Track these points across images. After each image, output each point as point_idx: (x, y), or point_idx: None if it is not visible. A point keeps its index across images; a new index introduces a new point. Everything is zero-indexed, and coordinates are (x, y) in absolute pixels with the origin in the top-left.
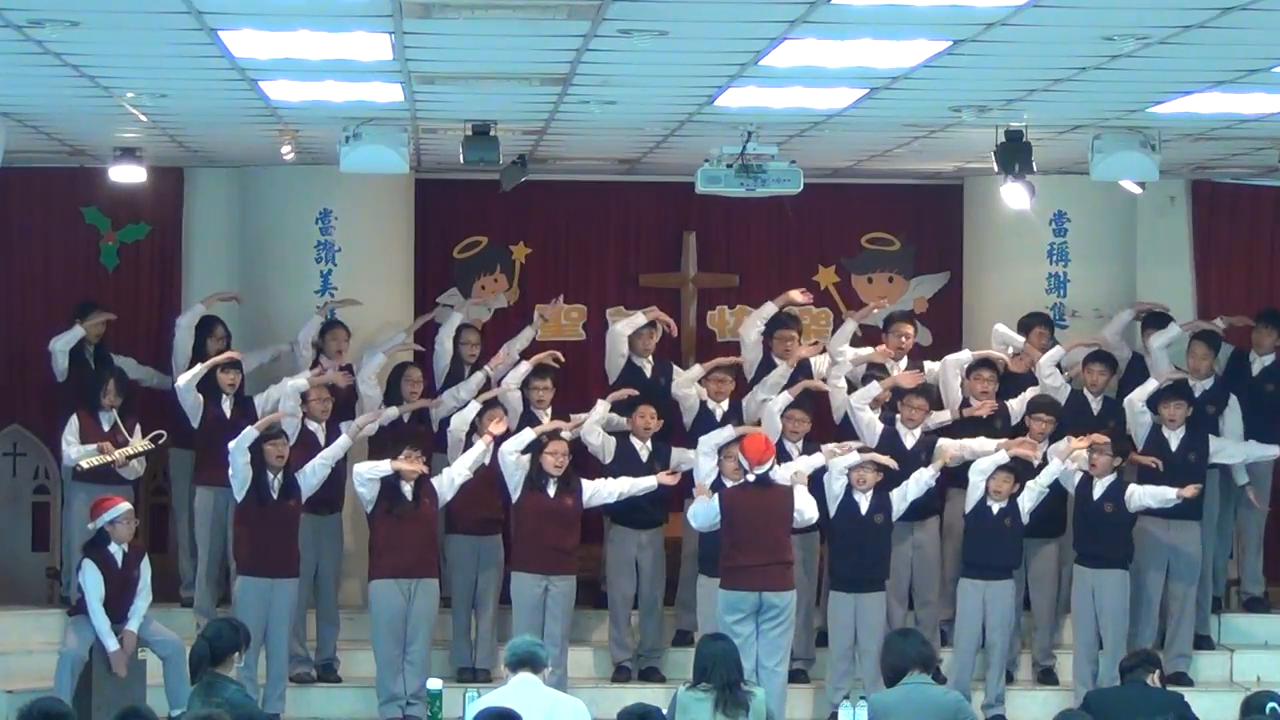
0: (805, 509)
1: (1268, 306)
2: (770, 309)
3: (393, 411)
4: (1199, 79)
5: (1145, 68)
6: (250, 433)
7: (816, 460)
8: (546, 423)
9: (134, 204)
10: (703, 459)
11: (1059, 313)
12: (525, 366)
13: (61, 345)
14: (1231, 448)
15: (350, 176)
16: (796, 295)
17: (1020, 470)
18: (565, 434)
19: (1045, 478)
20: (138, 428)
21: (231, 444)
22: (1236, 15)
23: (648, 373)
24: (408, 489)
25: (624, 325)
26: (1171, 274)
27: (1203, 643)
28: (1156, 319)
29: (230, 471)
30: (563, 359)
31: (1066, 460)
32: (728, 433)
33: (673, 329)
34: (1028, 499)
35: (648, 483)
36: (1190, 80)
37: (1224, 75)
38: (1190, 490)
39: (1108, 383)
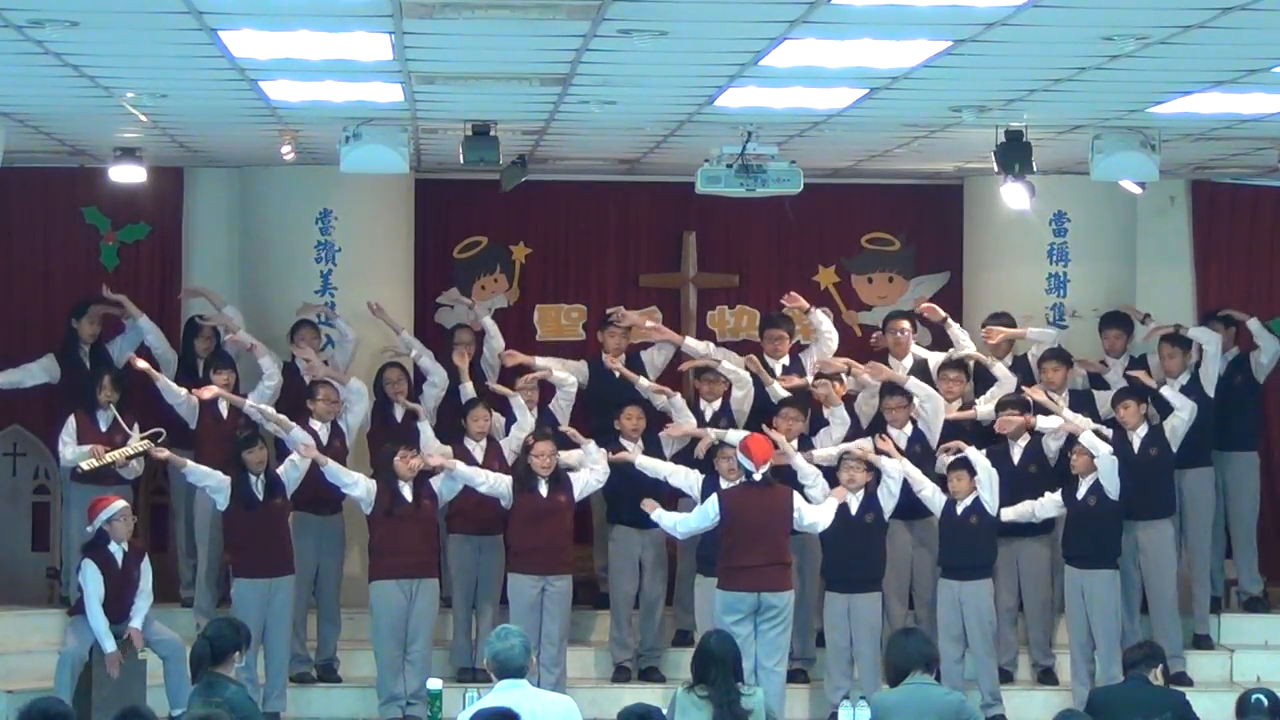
0: (808, 515)
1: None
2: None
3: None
4: (1199, 79)
5: (1145, 68)
6: (189, 470)
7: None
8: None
9: (134, 204)
10: (670, 479)
11: (1059, 312)
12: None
13: (30, 379)
14: (1175, 420)
15: (350, 176)
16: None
17: (972, 466)
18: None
19: (980, 465)
20: (135, 426)
21: (191, 482)
22: (1236, 15)
23: (617, 374)
24: (407, 489)
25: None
26: (1171, 274)
27: (1203, 643)
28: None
29: (208, 492)
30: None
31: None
32: (666, 468)
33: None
34: (984, 491)
35: (602, 452)
36: (1190, 80)
37: (1224, 75)
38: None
39: (1065, 378)
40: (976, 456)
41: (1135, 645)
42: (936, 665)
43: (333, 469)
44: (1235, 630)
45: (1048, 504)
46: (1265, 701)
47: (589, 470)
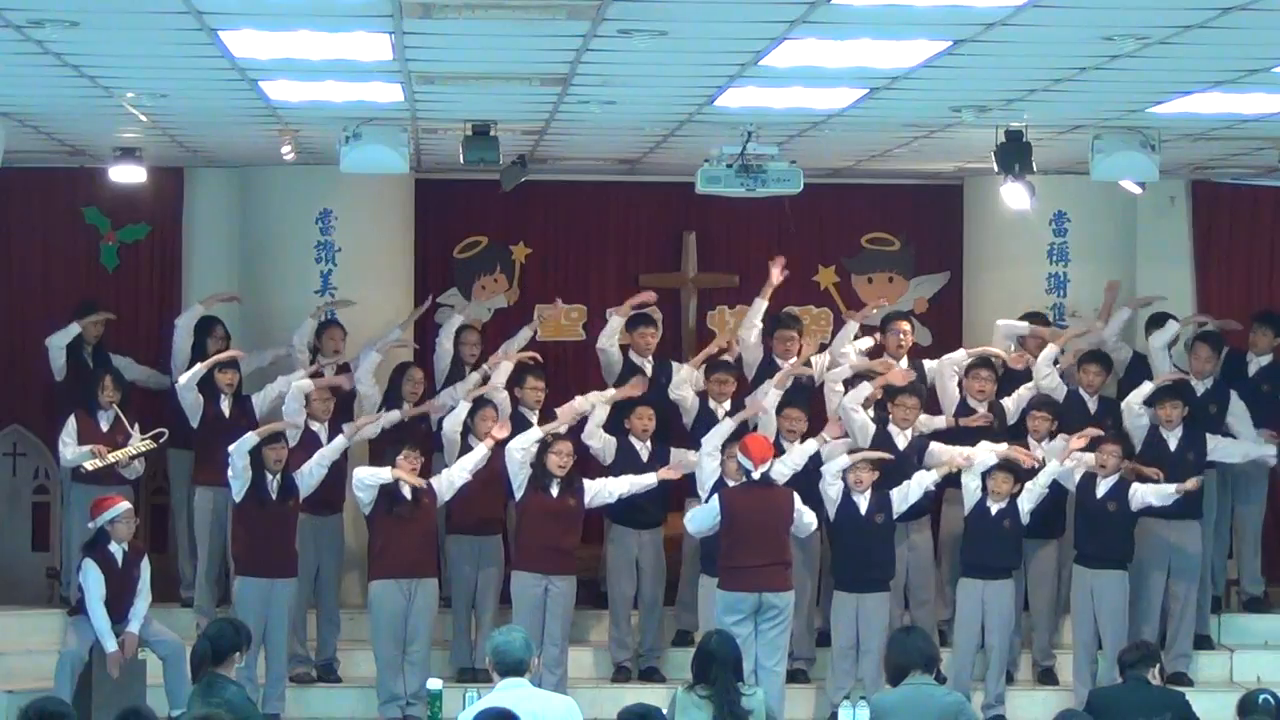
0: (804, 513)
1: (1265, 307)
2: (760, 305)
3: (394, 415)
4: (1199, 79)
5: (1145, 68)
6: (251, 438)
7: (809, 448)
8: (553, 422)
9: (134, 204)
10: (706, 459)
11: (1059, 312)
12: (507, 365)
13: (58, 342)
14: (1230, 446)
15: (350, 176)
16: (775, 275)
17: (1019, 470)
18: (562, 427)
19: (1044, 478)
20: (136, 426)
21: (231, 447)
22: (1236, 15)
23: (648, 372)
24: (407, 489)
25: (605, 337)
26: (1171, 274)
27: (1203, 643)
28: (1158, 318)
29: (230, 473)
30: (542, 359)
31: (1065, 460)
32: (727, 426)
33: (651, 297)
34: (1027, 499)
35: (648, 480)
36: (1190, 80)
37: (1224, 75)
38: (1191, 484)
39: (1104, 382)
40: (1049, 473)
41: (1131, 646)
42: (936, 665)
43: (366, 470)
44: (1236, 630)
45: (1065, 470)
46: (1272, 701)
47: (606, 482)
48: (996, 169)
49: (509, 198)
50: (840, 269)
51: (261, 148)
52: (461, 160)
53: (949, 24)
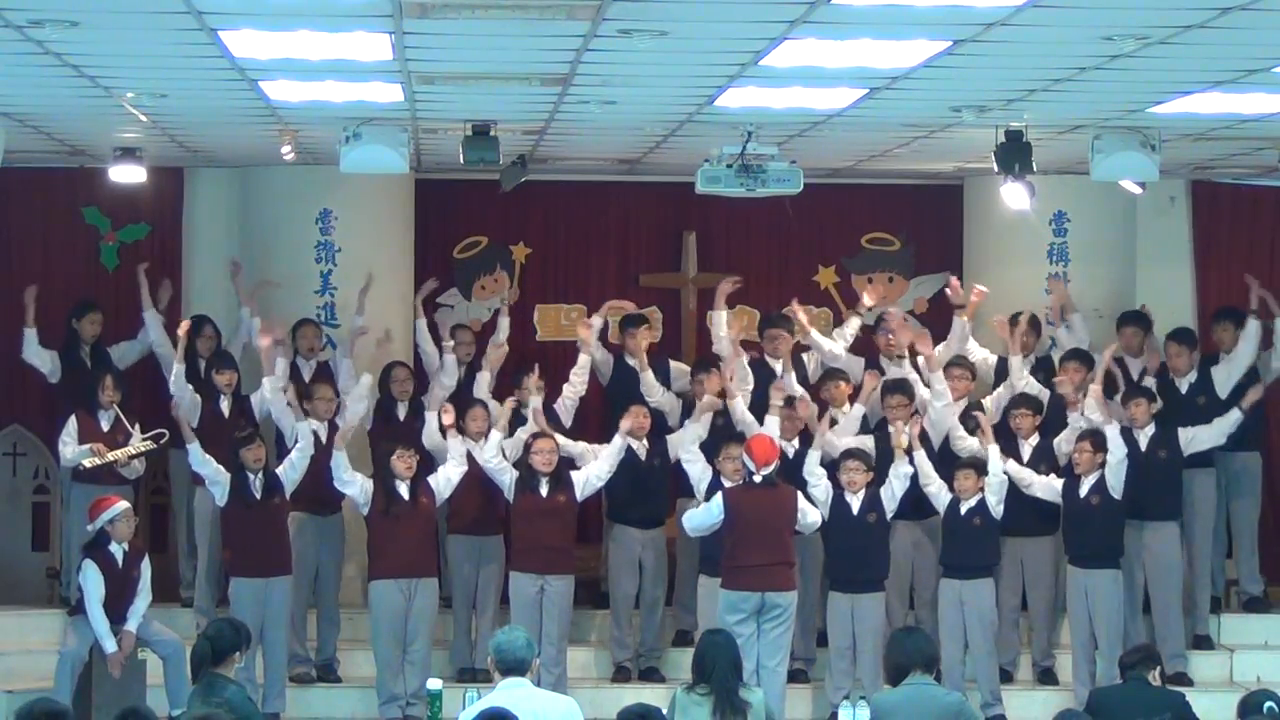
0: (808, 512)
1: (1220, 306)
2: (720, 316)
3: (366, 379)
4: (1199, 79)
5: (1145, 68)
6: (193, 449)
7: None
8: (526, 425)
9: (134, 204)
10: (688, 465)
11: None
12: (486, 375)
13: (29, 351)
14: (1203, 434)
15: (350, 176)
16: (726, 287)
17: (981, 465)
18: (532, 400)
19: (994, 467)
20: (137, 426)
21: (192, 465)
22: (1236, 15)
23: (639, 370)
24: (404, 489)
25: (584, 357)
26: (1171, 274)
27: (1203, 643)
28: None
29: (206, 484)
30: (536, 365)
31: (991, 441)
32: (696, 429)
33: (627, 308)
34: (991, 494)
35: (617, 444)
36: (1190, 80)
37: (1224, 75)
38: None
39: (1084, 380)
40: (995, 461)
41: (1132, 649)
42: (937, 665)
43: (338, 459)
44: (1235, 630)
45: (1045, 485)
46: (1277, 709)
47: (589, 467)
48: (996, 169)
49: (509, 198)
50: (840, 269)
51: (261, 148)
52: (461, 160)
53: (949, 24)
